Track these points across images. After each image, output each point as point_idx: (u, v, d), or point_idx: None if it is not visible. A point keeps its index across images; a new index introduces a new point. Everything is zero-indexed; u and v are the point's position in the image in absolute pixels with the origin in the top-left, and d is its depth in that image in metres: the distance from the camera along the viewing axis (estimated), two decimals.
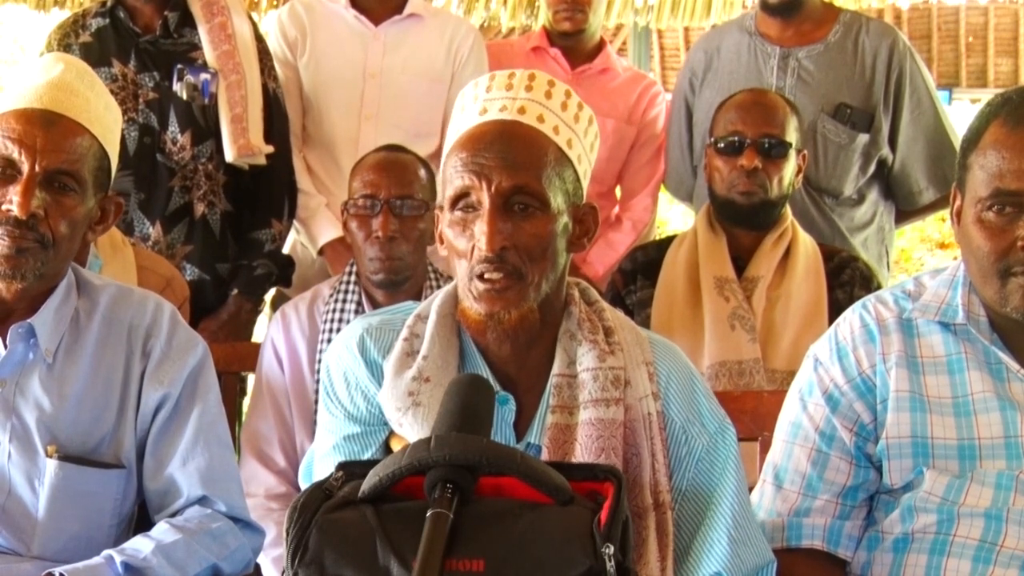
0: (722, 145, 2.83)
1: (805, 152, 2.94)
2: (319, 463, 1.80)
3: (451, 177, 1.70)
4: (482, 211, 1.66)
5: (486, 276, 1.67)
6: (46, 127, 1.88)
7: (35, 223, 1.87)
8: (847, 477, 1.89)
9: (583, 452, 1.67)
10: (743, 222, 2.85)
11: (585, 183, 1.76)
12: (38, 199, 1.87)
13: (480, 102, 1.72)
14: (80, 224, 1.94)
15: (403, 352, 1.74)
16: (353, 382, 1.77)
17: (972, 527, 1.78)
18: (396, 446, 1.73)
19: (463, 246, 1.69)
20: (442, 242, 1.76)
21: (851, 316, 1.93)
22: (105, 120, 1.97)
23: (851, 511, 1.90)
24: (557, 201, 1.69)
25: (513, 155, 1.66)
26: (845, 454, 1.88)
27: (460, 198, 1.69)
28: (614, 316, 1.81)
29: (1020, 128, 1.74)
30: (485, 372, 1.74)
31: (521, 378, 1.76)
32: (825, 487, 1.89)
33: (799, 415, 1.93)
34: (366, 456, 1.74)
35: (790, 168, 2.83)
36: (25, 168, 1.87)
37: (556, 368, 1.74)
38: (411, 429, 1.69)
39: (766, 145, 2.79)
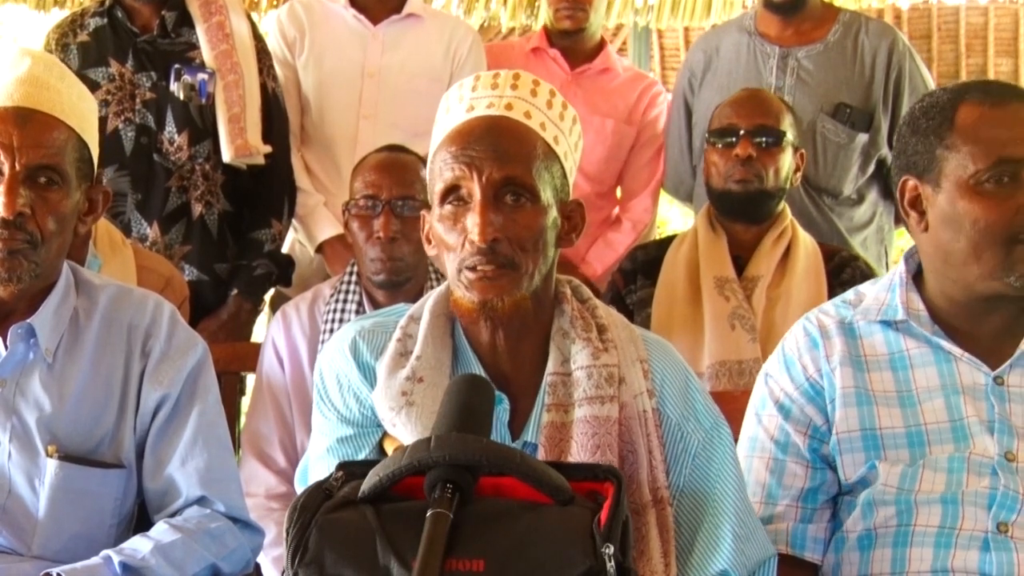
0: (717, 141, 2.86)
1: (803, 151, 2.95)
2: (314, 465, 1.80)
3: (440, 171, 1.70)
4: (473, 203, 1.67)
5: (478, 268, 1.67)
6: (20, 124, 1.86)
7: (23, 222, 1.86)
8: (804, 480, 1.91)
9: (579, 450, 1.68)
10: (740, 214, 2.86)
11: (571, 180, 1.78)
12: (23, 197, 1.85)
13: (466, 101, 1.73)
14: (68, 218, 1.93)
15: (396, 352, 1.74)
16: (346, 384, 1.77)
17: (931, 515, 1.81)
18: (390, 448, 1.73)
19: (453, 240, 1.69)
20: (430, 241, 1.77)
21: (796, 329, 1.97)
22: (80, 110, 1.95)
23: (812, 514, 1.91)
24: (546, 195, 1.70)
25: (503, 148, 1.68)
26: (800, 458, 1.91)
27: (450, 191, 1.69)
28: (607, 313, 1.82)
29: (1002, 104, 1.81)
30: (479, 372, 1.74)
31: (515, 377, 1.76)
32: (784, 492, 1.91)
33: (755, 429, 1.96)
34: (360, 458, 1.74)
35: (786, 160, 2.85)
36: (5, 168, 1.85)
37: (550, 367, 1.75)
38: (404, 429, 1.69)
39: (760, 135, 2.82)
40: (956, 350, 1.86)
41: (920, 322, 1.88)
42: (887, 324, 1.91)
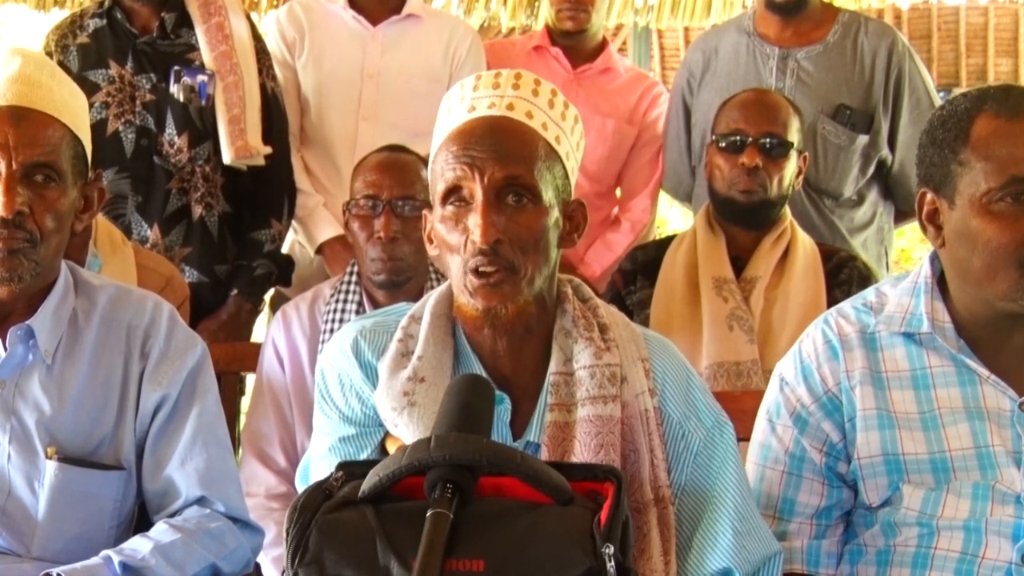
0: (723, 144, 2.84)
1: (806, 154, 2.94)
2: (315, 465, 1.80)
3: (442, 171, 1.70)
4: (475, 204, 1.67)
5: (480, 270, 1.67)
6: (15, 123, 1.86)
7: (21, 220, 1.86)
8: (820, 498, 1.89)
9: (582, 449, 1.68)
10: (742, 221, 2.85)
11: (573, 180, 1.78)
12: (21, 196, 1.85)
13: (468, 101, 1.73)
14: (66, 215, 1.93)
15: (398, 353, 1.74)
16: (347, 384, 1.77)
17: (952, 540, 1.78)
18: (392, 447, 1.73)
19: (455, 240, 1.69)
20: (431, 242, 1.76)
21: (814, 332, 1.93)
22: (72, 107, 1.95)
23: (827, 530, 1.90)
24: (548, 195, 1.70)
25: (505, 148, 1.67)
26: (816, 475, 1.88)
27: (452, 192, 1.69)
28: (608, 313, 1.81)
29: (1017, 117, 1.75)
30: (480, 371, 1.74)
31: (517, 377, 1.76)
32: (799, 509, 1.89)
33: (768, 437, 1.92)
34: (362, 458, 1.74)
35: (791, 168, 2.83)
36: (2, 167, 1.85)
37: (553, 366, 1.74)
38: (406, 429, 1.69)
39: (767, 144, 2.79)
40: (982, 371, 1.81)
41: (945, 336, 1.83)
42: (910, 337, 1.85)
